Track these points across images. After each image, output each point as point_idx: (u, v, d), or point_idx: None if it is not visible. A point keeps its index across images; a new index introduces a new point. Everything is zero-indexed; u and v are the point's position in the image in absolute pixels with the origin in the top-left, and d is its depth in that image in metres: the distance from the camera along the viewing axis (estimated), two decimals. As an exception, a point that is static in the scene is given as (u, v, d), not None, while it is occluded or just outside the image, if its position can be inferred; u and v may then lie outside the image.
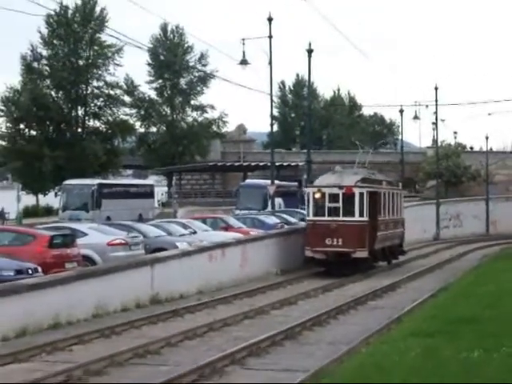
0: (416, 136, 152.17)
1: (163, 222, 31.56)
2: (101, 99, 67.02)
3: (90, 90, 66.55)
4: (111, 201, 48.94)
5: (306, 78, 41.65)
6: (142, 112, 75.42)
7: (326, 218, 26.38)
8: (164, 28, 75.39)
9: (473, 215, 57.07)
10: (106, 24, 62.91)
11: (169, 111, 76.79)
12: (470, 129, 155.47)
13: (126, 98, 71.43)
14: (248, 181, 60.78)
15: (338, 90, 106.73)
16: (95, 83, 66.66)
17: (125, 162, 73.95)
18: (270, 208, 42.51)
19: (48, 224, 29.77)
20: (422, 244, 45.26)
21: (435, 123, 58.33)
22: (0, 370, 11.82)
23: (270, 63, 34.24)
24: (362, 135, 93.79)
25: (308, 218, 27.27)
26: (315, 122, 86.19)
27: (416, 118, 55.47)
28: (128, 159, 75.94)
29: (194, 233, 29.64)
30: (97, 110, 67.28)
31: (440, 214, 53.17)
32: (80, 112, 66.95)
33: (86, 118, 67.32)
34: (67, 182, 50.41)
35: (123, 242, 23.66)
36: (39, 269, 17.67)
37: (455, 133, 76.95)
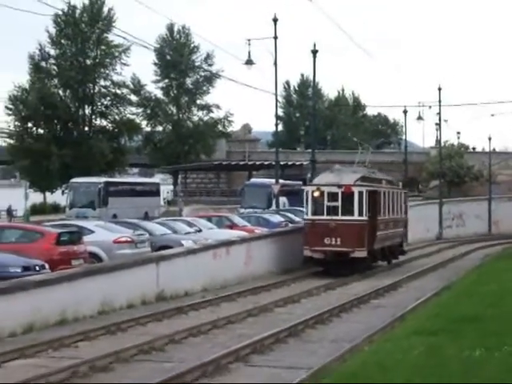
0: (419, 136, 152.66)
1: (169, 220, 31.58)
2: (108, 98, 67.10)
3: (97, 89, 66.63)
4: (117, 199, 49.01)
5: (311, 78, 41.58)
6: (149, 111, 75.49)
7: (325, 217, 25.85)
8: (170, 28, 75.45)
9: (475, 215, 57.00)
10: (114, 24, 63.02)
11: (175, 110, 76.83)
12: (473, 129, 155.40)
13: (133, 98, 71.59)
14: (253, 180, 60.80)
15: (343, 90, 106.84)
16: (102, 82, 66.80)
17: (131, 160, 74.04)
18: (274, 207, 42.50)
19: (55, 221, 29.78)
20: (425, 243, 45.23)
21: (438, 124, 58.44)
22: (7, 366, 11.84)
23: (275, 63, 34.24)
24: (366, 135, 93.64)
25: (306, 217, 26.71)
26: (320, 122, 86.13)
27: (420, 118, 55.43)
28: (134, 158, 76.03)
29: (199, 231, 29.63)
30: (104, 109, 67.35)
31: (443, 214, 53.12)
32: (87, 111, 67.04)
33: (93, 116, 67.40)
34: (74, 180, 50.48)
35: (129, 239, 23.68)
36: (46, 265, 17.69)
37: (458, 133, 76.95)
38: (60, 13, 55.61)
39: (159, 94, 76.58)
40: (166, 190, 72.71)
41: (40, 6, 20.85)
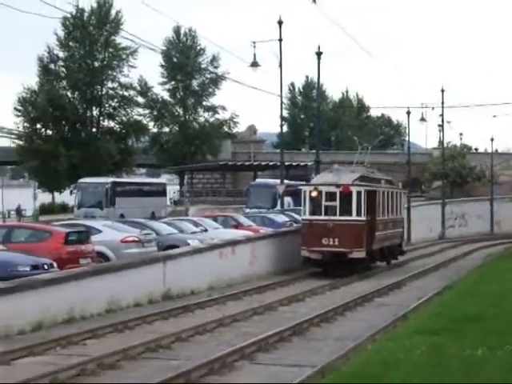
0: (422, 137, 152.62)
1: (175, 220, 31.61)
2: (115, 100, 67.14)
3: (104, 90, 66.69)
4: (125, 199, 49.06)
5: (315, 80, 41.51)
6: (155, 112, 75.55)
7: (323, 217, 25.21)
8: (177, 31, 75.51)
9: (477, 215, 56.91)
10: (121, 27, 63.09)
11: (181, 112, 76.88)
12: (475, 130, 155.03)
13: (140, 99, 71.58)
14: (258, 180, 60.76)
15: (347, 91, 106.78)
16: (110, 84, 66.82)
17: (138, 161, 74.11)
18: (279, 207, 42.47)
19: (63, 221, 29.83)
20: (427, 243, 45.18)
21: (441, 125, 58.20)
22: (17, 363, 11.87)
23: (280, 65, 34.23)
24: (370, 136, 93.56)
25: (304, 217, 26.03)
26: (324, 123, 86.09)
27: (422, 119, 55.28)
28: (141, 158, 76.10)
29: (205, 231, 29.63)
30: (111, 110, 67.41)
31: (445, 214, 53.06)
32: (95, 112, 67.10)
33: (101, 118, 67.46)
34: (82, 180, 50.56)
35: (136, 239, 23.70)
36: (55, 264, 17.73)
37: (461, 134, 76.79)
38: (68, 16, 55.71)
39: (166, 95, 76.71)
40: (173, 190, 72.77)
41: (49, 9, 20.92)
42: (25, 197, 56.07)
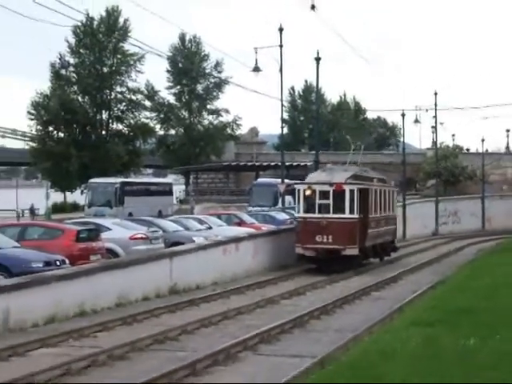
0: (417, 138, 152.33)
1: (181, 218, 31.58)
2: (123, 104, 67.12)
3: (113, 95, 66.67)
4: (133, 198, 49.02)
5: (314, 84, 41.51)
6: (162, 116, 75.53)
7: (317, 214, 24.79)
8: (182, 37, 75.47)
9: (470, 212, 56.84)
10: (129, 34, 62.94)
11: (186, 115, 76.87)
12: (467, 132, 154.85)
13: (147, 103, 71.49)
14: (260, 180, 60.70)
15: (344, 95, 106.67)
16: (118, 89, 66.78)
17: (145, 161, 74.08)
18: (280, 205, 42.44)
19: (75, 219, 29.83)
20: (422, 239, 45.12)
21: (434, 126, 58.21)
22: (31, 354, 11.89)
23: (281, 70, 34.18)
24: (367, 137, 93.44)
25: (298, 215, 25.70)
26: (323, 125, 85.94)
27: (417, 121, 55.26)
28: (148, 159, 76.07)
29: (210, 228, 29.61)
30: (120, 113, 67.38)
31: (439, 211, 53.00)
32: (104, 116, 67.08)
33: (110, 121, 67.44)
34: (92, 180, 50.52)
35: (144, 236, 23.70)
36: (66, 261, 17.74)
37: (453, 135, 76.76)
38: (79, 24, 55.52)
39: (172, 99, 76.67)
40: (179, 190, 72.68)
41: (60, 18, 20.91)
42: (38, 196, 56.04)
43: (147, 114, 71.72)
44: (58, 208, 60.13)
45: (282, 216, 36.58)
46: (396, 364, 9.44)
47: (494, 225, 56.36)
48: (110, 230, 23.53)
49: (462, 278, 21.68)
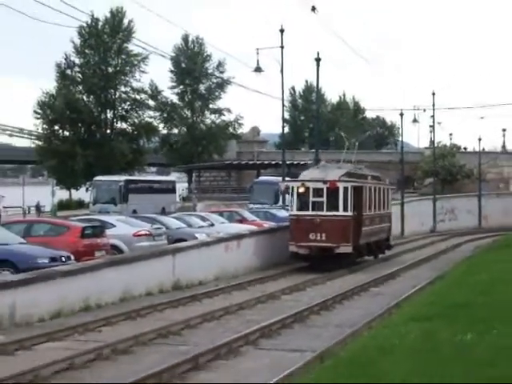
0: (415, 137, 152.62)
1: (184, 215, 31.57)
2: (128, 103, 67.11)
3: (118, 94, 66.65)
4: (137, 195, 49.02)
5: (315, 84, 41.45)
6: (165, 115, 75.54)
7: (310, 212, 24.07)
8: (185, 38, 75.48)
9: (466, 210, 56.80)
10: (133, 35, 62.88)
11: (189, 114, 76.87)
12: (464, 131, 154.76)
13: (151, 102, 71.49)
14: (261, 178, 60.60)
15: (344, 95, 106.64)
16: (123, 88, 66.77)
17: (149, 160, 74.07)
18: (280, 202, 42.41)
19: (80, 216, 29.83)
20: (419, 236, 45.10)
21: (432, 126, 58.25)
22: (37, 348, 11.88)
23: (282, 71, 34.12)
24: (365, 137, 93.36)
25: (292, 213, 24.86)
26: (323, 125, 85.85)
27: (415, 121, 55.28)
28: (152, 158, 76.06)
29: (212, 225, 29.59)
30: (124, 113, 67.37)
31: (436, 209, 52.95)
32: (109, 115, 67.06)
33: (115, 120, 67.43)
34: (97, 178, 50.51)
35: (148, 233, 23.70)
36: (72, 257, 17.73)
37: (450, 134, 76.86)
38: (84, 25, 55.89)
39: (175, 99, 76.70)
40: (182, 188, 72.67)
41: (66, 19, 20.90)
42: (44, 194, 56.09)
43: (151, 113, 71.82)
44: (63, 205, 60.19)
45: (283, 213, 36.53)
46: (394, 359, 9.42)
47: (490, 222, 56.31)
48: (115, 226, 23.52)
49: (459, 273, 21.66)
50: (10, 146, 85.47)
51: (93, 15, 58.08)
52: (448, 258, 30.15)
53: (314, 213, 24.10)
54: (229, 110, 76.48)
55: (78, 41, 64.72)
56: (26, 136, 70.83)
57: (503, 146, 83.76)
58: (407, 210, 45.83)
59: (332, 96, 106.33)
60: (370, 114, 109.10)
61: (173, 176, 78.83)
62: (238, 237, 23.86)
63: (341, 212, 24.07)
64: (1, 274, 16.24)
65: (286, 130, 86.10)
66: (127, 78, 66.36)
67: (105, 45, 64.69)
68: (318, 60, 34.15)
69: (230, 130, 76.74)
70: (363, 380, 8.29)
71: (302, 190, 24.50)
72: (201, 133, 75.08)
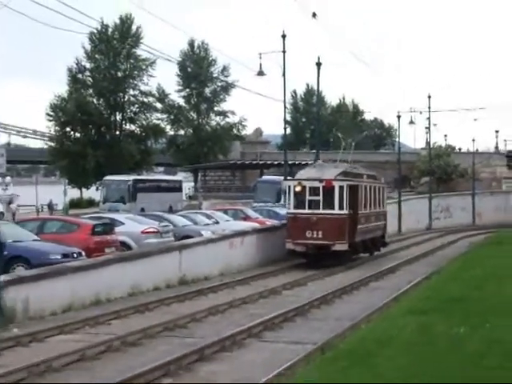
0: (411, 138, 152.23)
1: (190, 213, 31.56)
2: (136, 106, 67.10)
3: (126, 97, 66.64)
4: (145, 194, 49.03)
5: (315, 87, 41.35)
6: (172, 117, 75.58)
7: (307, 210, 23.71)
8: (191, 44, 75.52)
9: (461, 208, 56.73)
10: (141, 40, 62.90)
11: (195, 116, 76.90)
12: (458, 132, 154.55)
13: (158, 105, 71.50)
14: (264, 177, 60.52)
15: (343, 98, 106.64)
16: (131, 92, 66.73)
17: (157, 160, 74.10)
18: (283, 201, 42.37)
19: (90, 214, 29.86)
20: (416, 233, 45.03)
21: (428, 127, 58.00)
22: (49, 340, 11.90)
23: (284, 74, 34.02)
24: (365, 138, 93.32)
25: (289, 211, 24.51)
26: (323, 126, 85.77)
27: (411, 122, 55.12)
28: (159, 158, 76.09)
29: (217, 222, 29.58)
30: (133, 115, 67.36)
31: (432, 207, 52.86)
32: (118, 117, 67.05)
33: (124, 122, 67.42)
34: (107, 177, 50.53)
35: (155, 230, 23.70)
36: (83, 253, 17.76)
37: (446, 136, 76.60)
38: (94, 31, 55.88)
39: (181, 101, 76.74)
40: (188, 187, 72.70)
41: (77, 25, 20.91)
42: (56, 193, 56.13)
43: (158, 115, 71.79)
44: (74, 204, 60.18)
45: (285, 211, 36.47)
46: (392, 351, 9.41)
47: (484, 219, 56.25)
48: (124, 224, 23.53)
49: (454, 269, 21.63)
50: (24, 147, 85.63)
51: (103, 22, 58.37)
52: (443, 254, 30.08)
53: (310, 211, 23.78)
54: (233, 113, 76.64)
55: (88, 46, 64.75)
56: (39, 137, 70.98)
57: (496, 147, 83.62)
58: (404, 208, 45.77)
59: (332, 99, 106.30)
60: (368, 116, 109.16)
61: (179, 175, 78.88)
62: (242, 234, 23.84)
63: (336, 210, 23.72)
64: (15, 269, 16.28)
65: (288, 131, 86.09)
66: (136, 82, 66.35)
67: (114, 50, 64.69)
68: (318, 64, 34.06)
69: (234, 131, 76.80)
70: (362, 370, 8.28)
71: (298, 188, 24.15)
72: (206, 134, 75.11)
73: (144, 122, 67.50)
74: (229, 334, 11.61)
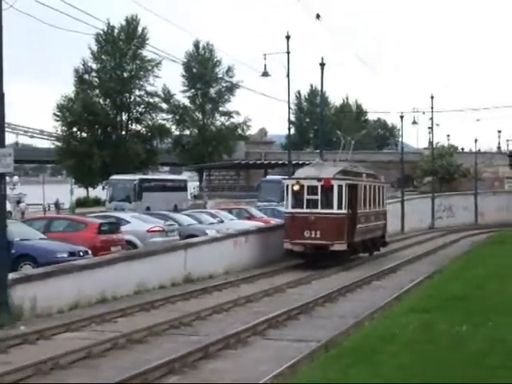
0: (414, 138, 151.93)
1: (195, 212, 31.58)
2: (142, 106, 67.15)
3: (132, 98, 66.69)
4: (150, 193, 49.06)
5: (319, 88, 41.42)
6: (177, 117, 75.58)
7: (305, 210, 23.03)
8: (196, 44, 75.47)
9: (463, 207, 56.60)
10: (147, 41, 62.95)
11: (200, 116, 76.92)
12: (461, 132, 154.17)
13: (164, 105, 71.52)
14: (268, 177, 60.56)
15: (347, 98, 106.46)
16: (137, 92, 66.76)
17: (162, 160, 74.18)
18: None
19: (97, 213, 29.89)
20: (419, 232, 44.97)
21: (431, 127, 57.98)
22: (56, 338, 11.92)
23: (288, 75, 34.03)
24: (368, 138, 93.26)
25: (287, 210, 23.86)
26: (327, 126, 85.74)
27: (414, 122, 55.09)
28: (165, 158, 76.15)
29: (222, 222, 29.60)
30: (138, 115, 67.42)
31: (435, 207, 52.76)
32: (124, 117, 67.11)
33: (129, 122, 67.47)
34: (113, 177, 50.57)
35: (161, 229, 23.72)
36: (89, 251, 17.80)
37: (448, 135, 76.58)
38: (101, 32, 55.96)
39: (187, 102, 76.69)
40: (193, 186, 72.74)
41: (83, 26, 20.93)
42: (63, 192, 56.22)
43: (164, 115, 71.81)
44: (81, 203, 60.30)
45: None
46: (395, 348, 9.40)
47: (486, 219, 56.12)
48: (129, 223, 23.56)
49: (456, 268, 21.59)
50: (32, 147, 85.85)
51: (109, 23, 58.46)
52: (446, 253, 30.02)
53: (308, 210, 23.11)
54: (237, 113, 76.58)
55: (94, 47, 64.82)
56: (46, 137, 71.11)
57: (498, 147, 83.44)
58: (407, 208, 45.71)
59: (336, 99, 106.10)
60: (371, 116, 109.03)
61: (184, 175, 78.84)
62: (246, 233, 23.84)
63: (335, 210, 23.11)
64: (22, 267, 16.32)
65: (292, 131, 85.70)
66: (141, 83, 66.39)
67: (120, 51, 64.74)
68: (322, 65, 34.06)
69: (239, 131, 76.78)
70: (366, 368, 8.27)
71: (296, 187, 23.48)
72: (211, 134, 75.12)
73: (150, 122, 67.55)
74: (233, 332, 11.62)
